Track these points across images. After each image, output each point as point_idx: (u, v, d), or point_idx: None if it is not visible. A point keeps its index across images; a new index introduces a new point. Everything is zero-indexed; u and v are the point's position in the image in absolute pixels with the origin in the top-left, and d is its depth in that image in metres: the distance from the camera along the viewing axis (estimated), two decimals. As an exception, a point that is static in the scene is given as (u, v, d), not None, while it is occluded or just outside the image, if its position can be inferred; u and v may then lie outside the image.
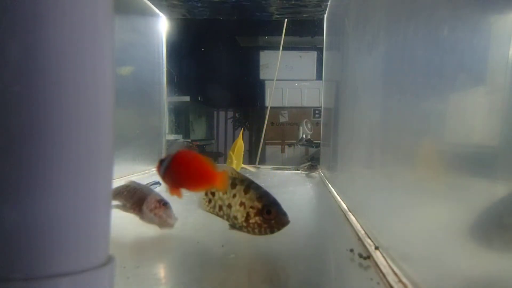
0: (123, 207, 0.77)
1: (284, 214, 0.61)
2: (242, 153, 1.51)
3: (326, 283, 0.54)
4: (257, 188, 0.63)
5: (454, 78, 0.42)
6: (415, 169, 0.52)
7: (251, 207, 0.60)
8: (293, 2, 1.58)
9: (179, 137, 2.18)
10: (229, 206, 0.63)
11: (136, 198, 0.74)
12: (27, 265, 0.30)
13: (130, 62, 1.54)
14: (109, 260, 0.36)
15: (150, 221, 0.72)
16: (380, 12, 0.71)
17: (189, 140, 2.46)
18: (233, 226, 0.63)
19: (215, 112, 3.36)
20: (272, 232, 0.61)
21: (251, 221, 0.60)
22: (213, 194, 0.65)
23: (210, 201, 0.66)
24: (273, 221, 0.60)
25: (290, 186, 1.39)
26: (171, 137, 2.02)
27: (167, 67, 1.86)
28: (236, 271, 0.56)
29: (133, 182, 0.81)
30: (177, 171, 0.63)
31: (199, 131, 2.87)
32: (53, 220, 0.31)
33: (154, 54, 1.78)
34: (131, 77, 1.54)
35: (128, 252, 0.63)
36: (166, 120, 1.90)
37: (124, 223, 0.78)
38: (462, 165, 0.41)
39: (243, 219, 0.61)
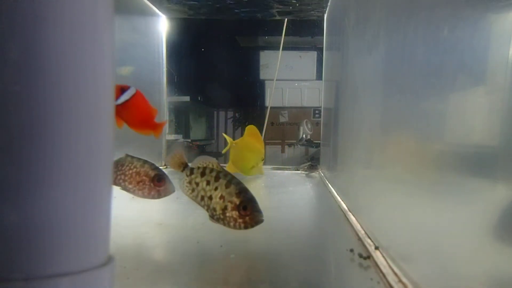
0: (124, 189, 0.78)
1: (259, 211, 0.63)
2: (259, 157, 1.36)
3: (326, 283, 0.54)
4: (238, 184, 0.65)
5: (454, 78, 0.42)
6: (415, 169, 0.52)
7: (229, 201, 0.63)
8: (291, 7, 1.58)
9: (179, 137, 2.18)
10: (210, 197, 0.65)
11: (135, 183, 0.77)
12: (27, 265, 0.30)
13: (130, 62, 1.54)
14: (109, 260, 0.36)
15: (152, 198, 0.78)
16: (380, 12, 0.71)
17: (189, 140, 2.46)
18: (212, 217, 0.66)
19: (215, 112, 3.35)
20: (246, 227, 0.62)
21: (227, 214, 0.63)
22: (197, 184, 0.68)
23: (193, 190, 0.69)
24: (247, 218, 0.62)
25: (290, 186, 1.38)
26: (171, 137, 2.01)
27: (167, 67, 1.86)
28: (236, 271, 0.56)
29: (126, 157, 0.81)
30: (131, 107, 0.80)
31: (199, 131, 2.87)
32: (53, 220, 0.31)
33: (154, 54, 1.78)
34: (131, 77, 1.54)
35: (128, 252, 0.63)
36: (166, 120, 1.90)
37: (124, 223, 0.78)
38: (462, 165, 0.40)
39: (221, 211, 0.63)
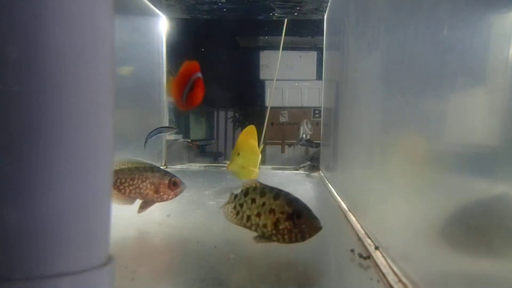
0: (143, 200, 0.79)
1: (315, 218, 0.58)
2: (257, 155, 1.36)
3: (326, 283, 0.54)
4: (287, 194, 0.61)
5: (454, 78, 0.42)
6: (415, 169, 0.52)
7: (281, 212, 0.58)
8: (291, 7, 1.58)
9: (179, 137, 2.18)
10: (258, 215, 0.61)
11: (152, 193, 0.79)
12: (27, 265, 0.30)
13: (130, 62, 1.54)
14: (109, 260, 0.36)
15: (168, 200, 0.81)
16: (380, 12, 0.71)
17: (189, 140, 2.46)
18: (259, 238, 0.61)
19: (215, 112, 3.35)
20: (303, 238, 0.57)
21: (280, 227, 0.58)
22: (241, 205, 0.64)
23: (238, 213, 0.64)
24: (303, 226, 0.57)
25: (290, 186, 1.38)
26: (171, 137, 2.01)
27: (167, 67, 1.85)
28: (236, 271, 0.56)
29: (130, 168, 0.81)
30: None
31: (199, 131, 2.87)
32: (53, 220, 0.31)
33: (154, 54, 1.78)
34: (131, 77, 1.54)
35: (129, 252, 0.63)
36: (166, 120, 1.90)
37: (124, 223, 0.78)
38: (462, 165, 0.40)
39: (273, 226, 0.58)
